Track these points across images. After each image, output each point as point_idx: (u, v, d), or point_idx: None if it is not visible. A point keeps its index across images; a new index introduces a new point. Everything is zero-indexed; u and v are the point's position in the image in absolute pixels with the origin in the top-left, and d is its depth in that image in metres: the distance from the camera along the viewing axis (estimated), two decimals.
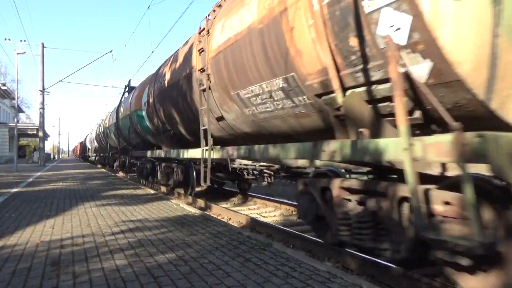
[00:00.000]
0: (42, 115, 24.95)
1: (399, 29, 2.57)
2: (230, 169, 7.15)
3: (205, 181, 6.54)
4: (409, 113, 2.73)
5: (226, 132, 6.34)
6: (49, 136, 55.40)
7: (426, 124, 2.82)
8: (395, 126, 2.86)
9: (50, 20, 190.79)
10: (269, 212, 7.43)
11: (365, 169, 3.89)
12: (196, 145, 7.15)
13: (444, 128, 2.59)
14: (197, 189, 8.71)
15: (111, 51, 23.76)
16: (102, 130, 22.87)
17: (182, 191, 9.24)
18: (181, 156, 7.99)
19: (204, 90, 6.08)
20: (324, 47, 3.24)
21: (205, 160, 6.37)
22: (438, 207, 2.57)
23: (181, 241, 3.84)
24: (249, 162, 6.43)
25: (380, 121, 3.05)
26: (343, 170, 4.28)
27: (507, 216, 2.34)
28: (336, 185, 3.61)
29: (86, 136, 42.12)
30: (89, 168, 23.79)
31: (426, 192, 2.64)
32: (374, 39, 2.82)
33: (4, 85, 37.52)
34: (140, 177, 13.30)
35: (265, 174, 6.63)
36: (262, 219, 6.48)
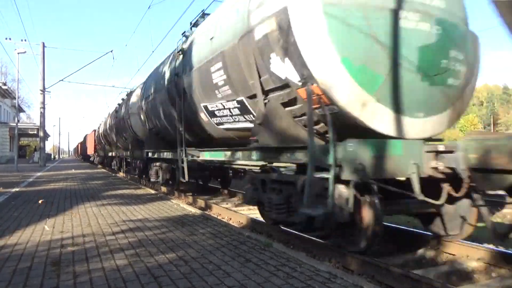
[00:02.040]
0: (42, 115, 24.97)
1: None
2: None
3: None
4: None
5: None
6: (49, 136, 55.45)
7: None
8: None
9: (51, 20, 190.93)
10: None
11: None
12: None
13: None
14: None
15: (111, 51, 23.76)
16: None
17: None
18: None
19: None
20: None
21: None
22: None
23: (181, 241, 3.84)
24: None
25: None
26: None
27: None
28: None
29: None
30: (90, 168, 23.81)
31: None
32: None
33: (4, 84, 37.56)
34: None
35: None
36: (262, 219, 6.46)
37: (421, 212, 4.31)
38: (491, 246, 4.27)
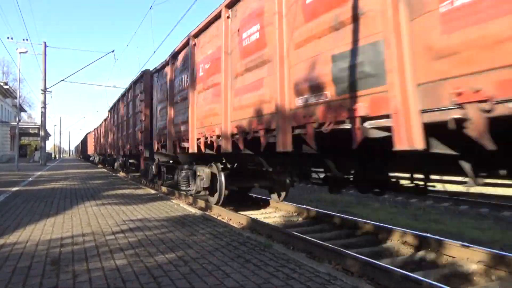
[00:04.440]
0: (43, 114, 25.02)
1: None
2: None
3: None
4: None
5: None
6: (50, 135, 55.50)
7: None
8: None
9: (53, 20, 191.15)
10: (270, 213, 7.42)
11: None
12: None
13: None
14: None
15: (113, 51, 23.91)
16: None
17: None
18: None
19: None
20: None
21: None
22: None
23: (181, 241, 3.84)
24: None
25: None
26: None
27: None
28: None
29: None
30: (90, 168, 23.82)
31: None
32: None
33: (6, 84, 37.61)
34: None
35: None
36: (262, 220, 6.46)
37: None
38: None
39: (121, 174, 17.77)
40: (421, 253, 4.38)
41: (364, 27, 3.06)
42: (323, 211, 6.70)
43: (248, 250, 3.50)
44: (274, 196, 7.94)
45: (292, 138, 4.01)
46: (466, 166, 2.91)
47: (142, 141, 11.83)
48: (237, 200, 8.27)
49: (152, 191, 9.00)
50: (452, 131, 2.37)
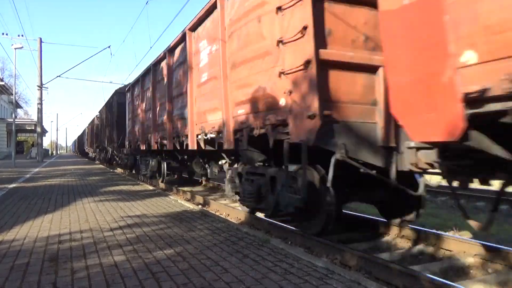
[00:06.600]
0: (40, 111, 24.86)
1: None
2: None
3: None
4: None
5: None
6: (47, 131, 55.28)
7: None
8: None
9: (48, 15, 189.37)
10: None
11: None
12: None
13: None
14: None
15: (109, 47, 23.75)
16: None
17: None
18: None
19: None
20: None
21: None
22: None
23: (179, 237, 3.84)
24: None
25: None
26: None
27: None
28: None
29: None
30: (88, 164, 23.76)
31: None
32: None
33: (1, 80, 37.32)
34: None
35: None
36: (260, 215, 6.46)
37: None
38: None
39: (119, 170, 17.76)
40: (419, 247, 4.40)
41: None
42: None
43: (246, 245, 3.51)
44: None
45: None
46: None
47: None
48: None
49: (150, 187, 9.00)
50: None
